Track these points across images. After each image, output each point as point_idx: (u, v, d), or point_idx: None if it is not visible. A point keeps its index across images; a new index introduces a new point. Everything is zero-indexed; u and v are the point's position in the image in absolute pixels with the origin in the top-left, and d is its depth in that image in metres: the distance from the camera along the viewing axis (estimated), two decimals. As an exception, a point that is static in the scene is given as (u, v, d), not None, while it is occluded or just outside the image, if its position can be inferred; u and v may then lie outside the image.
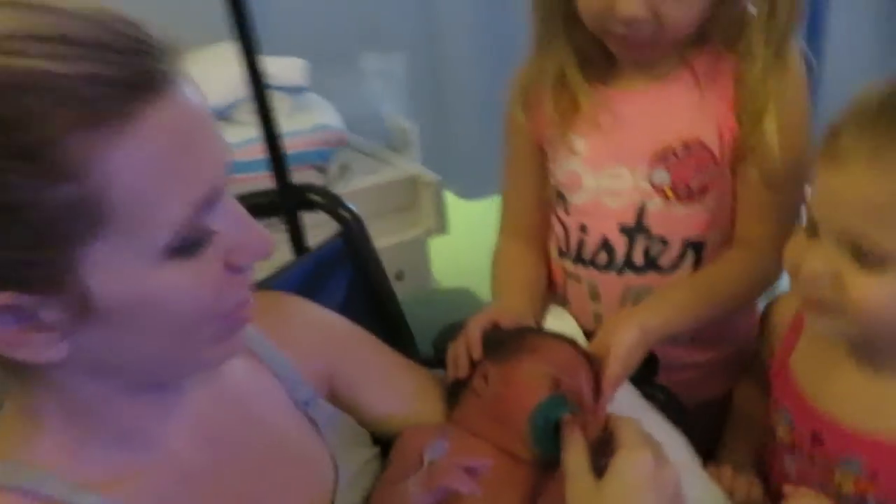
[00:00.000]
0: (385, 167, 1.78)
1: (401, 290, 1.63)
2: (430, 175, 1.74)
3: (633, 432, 0.68)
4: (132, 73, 0.50)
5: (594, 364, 0.84)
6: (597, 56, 0.98)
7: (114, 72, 0.49)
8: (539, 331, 0.91)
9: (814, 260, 0.71)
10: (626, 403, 0.88)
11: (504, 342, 0.84)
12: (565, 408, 0.75)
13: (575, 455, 0.68)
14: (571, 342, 0.85)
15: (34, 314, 0.51)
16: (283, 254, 1.15)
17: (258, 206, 1.07)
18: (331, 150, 1.66)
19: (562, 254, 1.06)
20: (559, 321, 0.99)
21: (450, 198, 2.39)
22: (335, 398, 0.80)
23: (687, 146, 0.96)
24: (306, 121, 1.65)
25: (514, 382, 0.79)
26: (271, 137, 1.11)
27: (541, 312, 1.02)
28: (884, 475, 0.76)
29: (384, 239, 1.64)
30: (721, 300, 0.97)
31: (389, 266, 1.60)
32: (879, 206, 0.66)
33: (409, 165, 1.79)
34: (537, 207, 1.08)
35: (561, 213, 1.05)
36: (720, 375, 1.06)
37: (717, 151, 0.96)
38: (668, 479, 0.66)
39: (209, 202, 0.54)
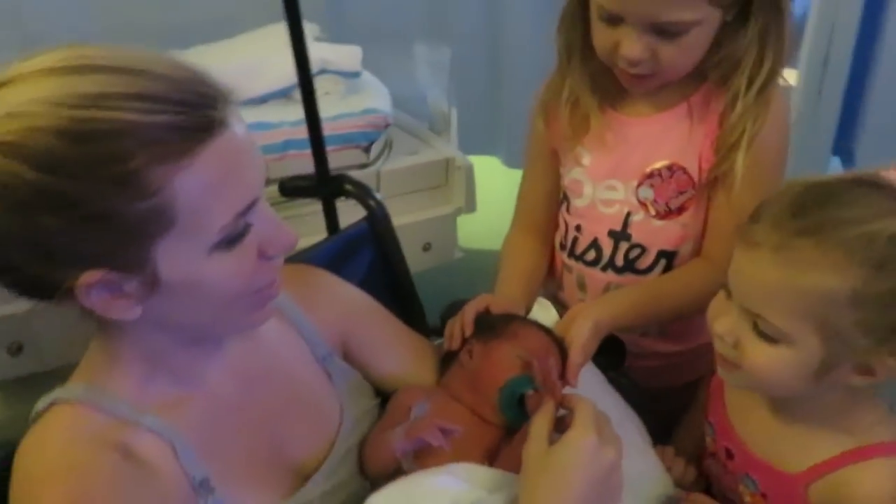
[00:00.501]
0: (424, 148, 1.89)
1: (427, 260, 1.80)
2: (463, 159, 1.84)
3: (586, 415, 0.75)
4: (195, 122, 0.64)
5: (563, 351, 0.95)
6: (608, 83, 1.06)
7: (182, 121, 0.63)
8: (524, 319, 1.00)
9: (723, 322, 0.79)
10: (592, 385, 0.98)
11: (492, 326, 0.95)
12: (530, 385, 0.86)
13: (540, 422, 0.77)
14: (547, 332, 0.96)
15: (121, 286, 0.67)
16: (318, 231, 1.31)
17: (300, 188, 1.24)
18: (376, 133, 1.76)
19: (561, 247, 1.17)
20: (543, 311, 1.09)
21: (496, 165, 2.51)
22: (348, 357, 0.95)
23: (671, 170, 1.06)
24: (357, 104, 1.75)
25: (492, 360, 0.91)
26: (315, 130, 1.25)
27: (533, 300, 1.13)
28: (772, 495, 0.85)
29: (417, 213, 1.79)
30: (669, 304, 1.07)
31: (419, 238, 1.76)
32: (775, 291, 0.72)
33: (446, 148, 1.90)
34: (548, 205, 1.18)
35: (564, 213, 1.16)
36: (685, 366, 1.16)
37: (695, 177, 1.05)
38: (605, 461, 0.74)
39: (248, 208, 0.69)
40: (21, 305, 0.76)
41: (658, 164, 1.06)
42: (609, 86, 1.07)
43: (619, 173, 1.09)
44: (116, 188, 0.62)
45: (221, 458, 0.78)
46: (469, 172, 1.82)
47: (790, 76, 1.48)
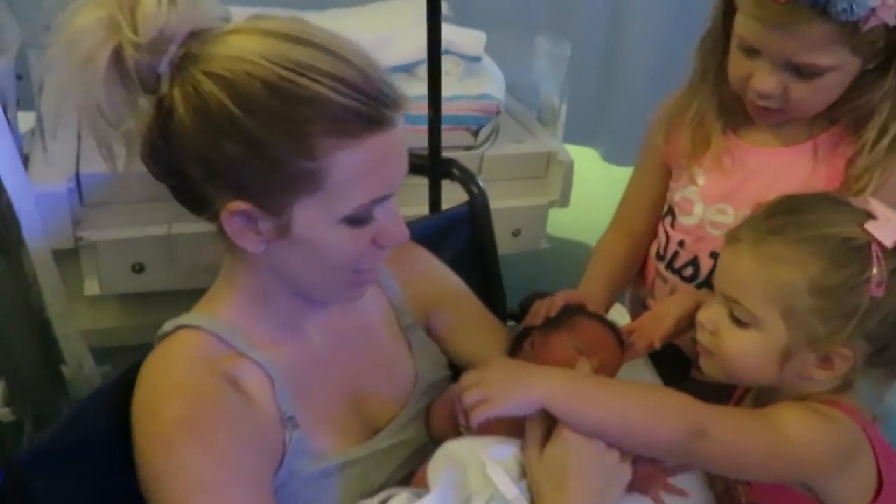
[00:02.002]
0: (529, 138, 1.92)
1: (514, 246, 1.85)
2: (565, 154, 1.87)
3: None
4: (373, 114, 0.73)
5: (623, 347, 0.98)
6: (736, 109, 1.07)
7: (363, 110, 0.73)
8: (588, 314, 1.02)
9: (705, 311, 0.90)
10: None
11: (556, 318, 1.00)
12: None
13: (532, 428, 0.83)
14: (610, 326, 0.99)
15: (257, 222, 0.77)
16: (420, 202, 1.38)
17: (412, 165, 1.31)
18: (487, 118, 1.80)
19: (658, 257, 1.19)
20: (618, 316, 1.14)
21: (594, 157, 2.52)
22: (430, 330, 1.04)
23: None
24: (473, 88, 1.79)
25: (548, 350, 0.95)
26: (435, 112, 1.32)
27: (615, 301, 1.17)
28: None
29: (512, 200, 1.82)
30: None
31: (509, 223, 1.81)
32: (749, 280, 0.83)
33: (551, 141, 1.92)
34: (649, 215, 1.21)
35: (667, 225, 1.17)
36: None
37: None
38: (604, 459, 0.80)
39: (382, 199, 0.78)
40: (146, 230, 0.87)
41: (773, 196, 1.05)
42: (735, 112, 1.08)
43: (733, 199, 1.09)
44: (292, 142, 0.72)
45: (307, 400, 0.86)
46: (569, 168, 1.84)
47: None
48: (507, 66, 1.99)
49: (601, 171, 2.55)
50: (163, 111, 0.75)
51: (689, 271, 1.15)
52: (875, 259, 0.79)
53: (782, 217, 0.85)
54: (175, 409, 0.77)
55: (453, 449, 0.85)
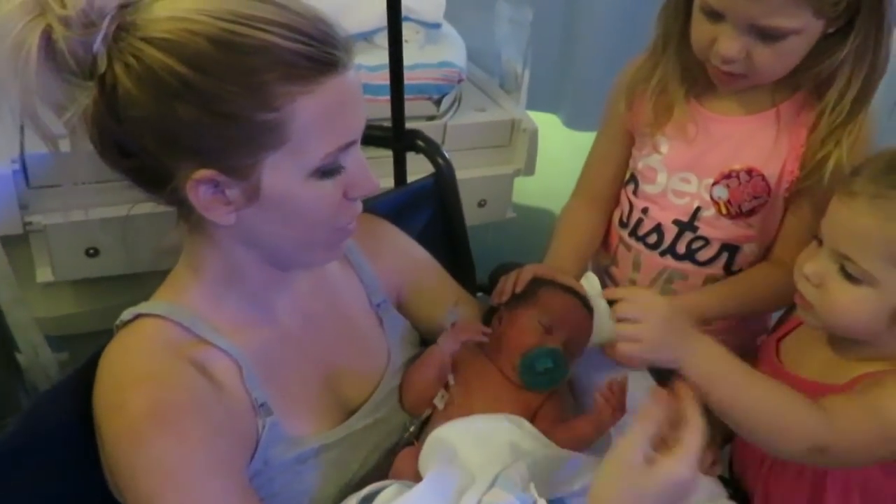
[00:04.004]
0: (492, 106, 1.89)
1: (479, 216, 1.82)
2: (529, 122, 1.84)
3: (692, 448, 0.70)
4: (324, 56, 0.72)
5: (590, 314, 0.97)
6: (699, 76, 1.06)
7: (313, 52, 0.71)
8: (553, 285, 1.00)
9: (811, 265, 0.87)
10: (639, 381, 0.97)
11: (524, 292, 0.99)
12: (549, 360, 0.91)
13: (642, 431, 0.71)
14: (575, 295, 0.98)
15: (225, 190, 0.74)
16: (385, 175, 1.35)
17: (374, 137, 1.28)
18: (449, 86, 1.76)
19: (622, 224, 1.19)
20: (588, 284, 1.07)
21: (556, 123, 2.50)
22: (400, 306, 1.02)
23: (749, 174, 1.06)
24: (434, 56, 1.75)
25: (515, 326, 0.96)
26: (397, 82, 1.28)
27: (583, 271, 1.15)
28: None
29: (476, 170, 1.80)
30: (750, 301, 1.10)
31: (475, 194, 1.79)
32: (866, 236, 0.81)
33: (514, 109, 1.89)
34: (613, 182, 1.20)
35: (630, 193, 1.16)
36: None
37: (773, 186, 1.06)
38: (682, 494, 0.70)
39: (347, 146, 0.76)
40: (100, 212, 0.83)
41: (737, 166, 1.07)
42: (699, 79, 1.07)
43: (696, 168, 1.09)
44: (248, 94, 0.70)
45: (279, 384, 0.84)
46: (533, 136, 1.82)
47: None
48: (468, 32, 1.96)
49: (563, 137, 2.54)
50: (106, 90, 0.71)
51: (652, 238, 1.15)
52: None
53: None
54: (141, 400, 0.74)
55: (442, 433, 0.84)
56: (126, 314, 0.82)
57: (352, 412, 0.91)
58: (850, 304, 0.84)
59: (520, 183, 1.92)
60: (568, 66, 2.42)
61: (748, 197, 1.07)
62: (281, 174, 0.74)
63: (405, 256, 1.05)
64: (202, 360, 0.79)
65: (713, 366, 0.83)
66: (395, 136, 1.30)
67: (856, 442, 0.84)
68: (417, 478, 0.81)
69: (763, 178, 1.06)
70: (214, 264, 0.82)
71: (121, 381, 0.76)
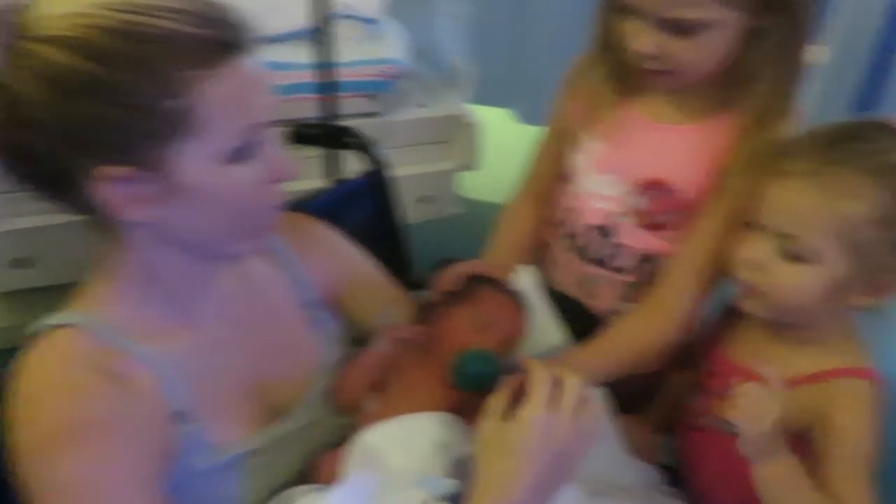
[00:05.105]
0: (434, 101, 1.88)
1: (425, 212, 1.82)
2: (472, 116, 1.84)
3: (538, 390, 0.78)
4: (224, 38, 0.72)
5: (528, 314, 0.96)
6: (634, 77, 1.01)
7: (211, 34, 0.71)
8: (491, 283, 0.99)
9: (749, 249, 0.87)
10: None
11: (460, 291, 0.98)
12: (483, 364, 0.88)
13: (495, 400, 0.80)
14: (513, 295, 0.97)
15: (137, 186, 0.72)
16: (319, 175, 1.36)
17: (305, 135, 1.26)
18: (389, 83, 1.75)
19: (553, 223, 1.17)
20: (526, 277, 1.11)
21: (511, 118, 2.50)
22: (334, 305, 1.00)
23: (668, 188, 1.03)
24: (374, 52, 1.74)
25: (449, 324, 0.94)
26: (328, 78, 1.27)
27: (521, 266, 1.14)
28: None
29: (419, 166, 1.79)
30: (627, 364, 1.03)
31: (418, 190, 1.78)
32: (807, 213, 0.82)
33: (456, 104, 1.89)
34: (555, 178, 1.16)
35: (563, 191, 1.15)
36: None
37: (688, 201, 1.02)
38: (558, 437, 0.77)
39: (258, 129, 0.75)
40: (27, 221, 0.82)
41: (658, 177, 1.04)
42: (634, 81, 1.03)
43: (621, 173, 1.07)
44: (152, 83, 0.69)
45: (203, 390, 0.82)
46: (476, 130, 1.82)
47: (822, 52, 1.44)
48: (411, 28, 1.94)
49: (518, 131, 2.53)
50: (3, 97, 0.69)
51: (575, 241, 1.13)
52: None
53: (841, 147, 0.82)
54: (53, 416, 0.72)
55: (366, 437, 0.83)
56: (38, 325, 0.79)
57: (282, 416, 0.90)
58: (795, 283, 0.84)
59: (472, 178, 1.92)
60: (520, 60, 2.42)
61: (664, 210, 1.05)
62: (194, 163, 0.73)
63: (338, 255, 1.04)
64: (117, 371, 0.76)
65: (787, 471, 0.87)
66: (326, 134, 1.28)
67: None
68: (339, 482, 0.80)
69: (681, 191, 1.03)
70: (130, 268, 0.80)
71: (32, 396, 0.74)
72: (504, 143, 2.26)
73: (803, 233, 0.82)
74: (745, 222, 0.91)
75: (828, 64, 2.04)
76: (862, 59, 2.00)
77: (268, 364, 0.91)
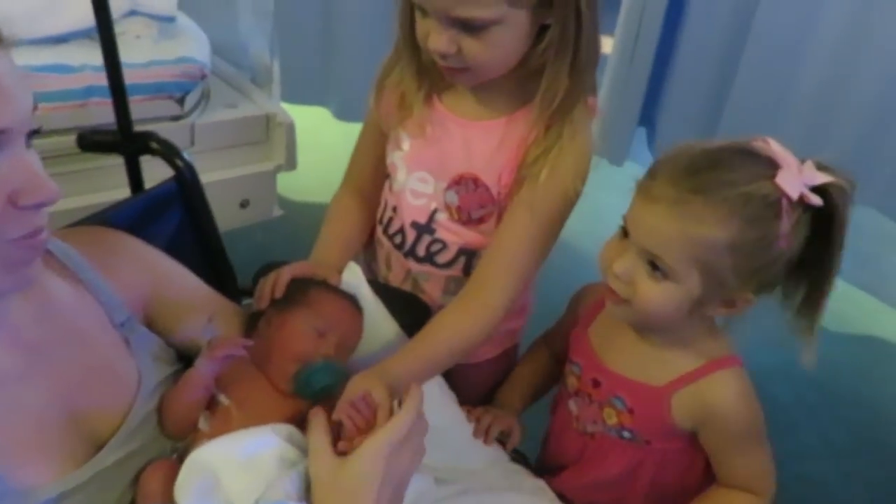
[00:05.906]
0: (243, 101, 1.82)
1: (244, 217, 1.75)
2: (285, 115, 1.79)
3: (383, 419, 0.79)
4: None
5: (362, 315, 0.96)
6: (439, 73, 1.02)
7: None
8: (324, 287, 0.99)
9: (621, 262, 0.92)
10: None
11: (290, 293, 0.95)
12: (326, 377, 0.87)
13: (318, 437, 0.79)
14: (347, 298, 0.96)
15: None
16: (121, 185, 1.25)
17: (101, 143, 1.16)
18: (191, 83, 1.67)
19: (379, 220, 1.17)
20: (351, 274, 1.08)
21: (326, 116, 2.46)
22: (150, 322, 0.93)
23: (476, 183, 1.05)
24: (171, 51, 1.65)
25: (286, 330, 0.91)
26: (116, 79, 1.17)
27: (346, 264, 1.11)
28: (638, 409, 1.00)
29: (234, 170, 1.73)
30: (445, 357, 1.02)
31: (235, 194, 1.72)
32: (669, 238, 0.87)
33: (267, 103, 1.83)
34: (375, 175, 1.17)
35: (386, 189, 1.15)
36: (494, 342, 1.20)
37: (495, 195, 1.05)
38: (399, 469, 0.77)
39: None
40: None
41: (467, 172, 1.06)
42: (439, 77, 1.04)
43: (433, 169, 1.08)
44: None
45: (5, 433, 0.74)
46: (290, 129, 1.77)
47: (606, 44, 1.53)
48: (210, 26, 1.86)
49: (336, 129, 2.50)
50: None
51: (398, 239, 1.14)
52: (784, 213, 0.84)
53: (703, 175, 0.86)
54: None
55: (202, 456, 0.78)
56: None
57: (102, 447, 0.82)
58: (659, 298, 0.90)
59: (291, 179, 1.87)
60: (329, 56, 2.38)
61: (476, 205, 1.07)
62: None
63: (146, 268, 0.97)
64: None
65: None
66: (123, 140, 1.19)
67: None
68: (168, 498, 0.74)
69: (486, 187, 1.05)
70: None
71: None
72: (324, 142, 2.23)
73: (665, 254, 0.88)
74: (621, 227, 0.94)
75: (616, 54, 2.18)
76: (649, 49, 2.15)
77: (80, 394, 0.83)
